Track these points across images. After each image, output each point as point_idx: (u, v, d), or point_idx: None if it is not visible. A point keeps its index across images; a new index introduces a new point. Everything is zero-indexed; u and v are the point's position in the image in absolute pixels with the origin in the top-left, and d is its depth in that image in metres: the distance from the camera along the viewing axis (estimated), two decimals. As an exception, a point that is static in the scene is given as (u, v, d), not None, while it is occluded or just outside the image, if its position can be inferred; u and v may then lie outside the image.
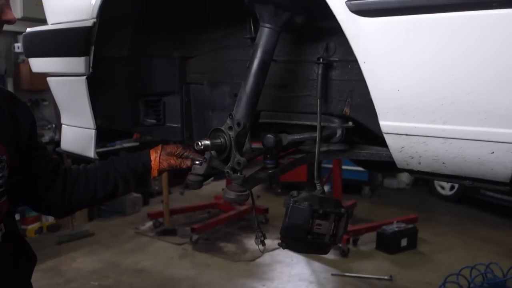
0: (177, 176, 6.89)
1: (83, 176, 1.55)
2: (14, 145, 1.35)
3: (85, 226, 5.54)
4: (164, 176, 5.53)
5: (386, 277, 4.27)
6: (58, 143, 2.15)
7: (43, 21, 1.81)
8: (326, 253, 1.42)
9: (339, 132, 1.48)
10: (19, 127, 1.40)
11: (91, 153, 1.78)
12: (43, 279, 4.13)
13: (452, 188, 6.89)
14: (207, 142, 1.30)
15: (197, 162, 1.48)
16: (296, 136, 1.52)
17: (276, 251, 4.77)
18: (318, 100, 1.39)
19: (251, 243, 5.01)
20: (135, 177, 1.58)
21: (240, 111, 1.33)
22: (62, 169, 1.53)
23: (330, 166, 5.98)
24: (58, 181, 1.50)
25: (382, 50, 1.04)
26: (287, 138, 1.49)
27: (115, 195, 1.59)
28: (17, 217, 4.71)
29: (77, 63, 1.66)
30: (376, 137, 1.34)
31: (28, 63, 1.82)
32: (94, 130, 1.74)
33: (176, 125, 1.89)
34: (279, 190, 7.02)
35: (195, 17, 1.80)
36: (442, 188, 7.07)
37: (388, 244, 4.92)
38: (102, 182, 1.55)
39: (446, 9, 0.95)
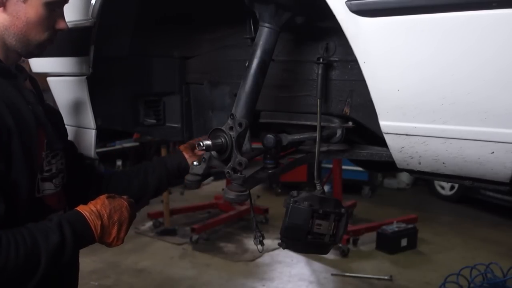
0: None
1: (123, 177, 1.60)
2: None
3: (85, 226, 5.53)
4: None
5: (386, 277, 4.27)
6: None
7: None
8: (326, 253, 1.42)
9: (339, 132, 1.47)
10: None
11: (91, 153, 1.78)
12: (43, 279, 4.12)
13: (452, 188, 6.89)
14: (209, 142, 1.30)
15: (195, 163, 1.48)
16: (296, 136, 1.52)
17: (276, 251, 4.76)
18: (318, 100, 1.39)
19: (251, 243, 5.01)
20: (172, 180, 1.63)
21: (239, 110, 1.32)
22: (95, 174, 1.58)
23: (330, 166, 5.98)
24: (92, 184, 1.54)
25: (382, 50, 1.04)
26: (287, 138, 1.49)
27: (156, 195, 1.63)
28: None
29: (77, 63, 1.66)
30: (376, 137, 1.34)
31: (28, 63, 1.82)
32: (94, 130, 1.74)
33: (176, 125, 1.89)
34: (279, 190, 7.03)
35: (194, 16, 1.80)
36: (442, 188, 7.06)
37: (388, 244, 4.92)
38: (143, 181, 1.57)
39: (446, 9, 0.94)
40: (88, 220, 1.19)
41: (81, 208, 1.22)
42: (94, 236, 1.21)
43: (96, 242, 1.24)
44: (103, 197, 1.27)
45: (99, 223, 1.20)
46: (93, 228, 1.20)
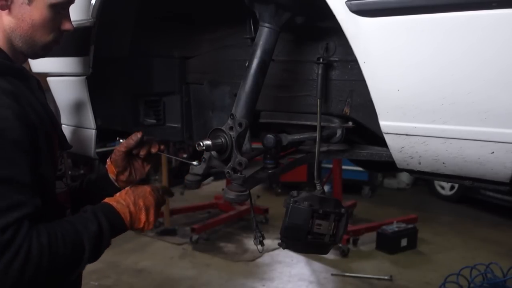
0: (177, 176, 6.89)
1: None
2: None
3: (85, 226, 5.53)
4: (164, 176, 5.53)
5: (386, 277, 4.27)
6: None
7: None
8: (326, 253, 1.42)
9: (339, 132, 1.47)
10: None
11: (91, 153, 1.78)
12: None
13: (452, 188, 6.89)
14: (209, 142, 1.30)
15: (195, 163, 1.48)
16: (296, 136, 1.52)
17: (276, 251, 4.77)
18: (318, 100, 1.39)
19: (251, 243, 5.01)
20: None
21: (239, 110, 1.32)
22: None
23: (330, 166, 5.98)
24: None
25: (382, 50, 1.04)
26: (287, 138, 1.49)
27: None
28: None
29: (77, 63, 1.66)
30: (376, 137, 1.34)
31: (28, 63, 1.82)
32: (94, 130, 1.74)
33: (176, 125, 1.89)
34: (279, 190, 7.03)
35: (194, 16, 1.80)
36: (442, 188, 7.07)
37: (388, 244, 4.92)
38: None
39: (446, 9, 0.95)
40: (117, 209, 1.25)
41: (108, 200, 1.28)
42: (125, 224, 1.26)
43: (128, 230, 1.29)
44: (126, 188, 1.33)
45: (127, 210, 1.26)
46: (123, 217, 1.25)
